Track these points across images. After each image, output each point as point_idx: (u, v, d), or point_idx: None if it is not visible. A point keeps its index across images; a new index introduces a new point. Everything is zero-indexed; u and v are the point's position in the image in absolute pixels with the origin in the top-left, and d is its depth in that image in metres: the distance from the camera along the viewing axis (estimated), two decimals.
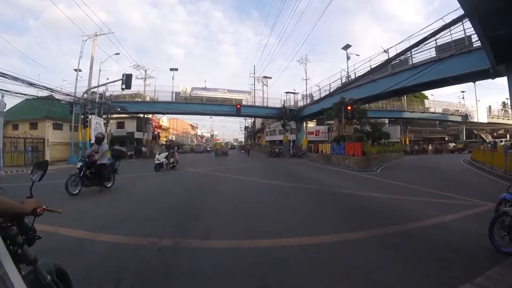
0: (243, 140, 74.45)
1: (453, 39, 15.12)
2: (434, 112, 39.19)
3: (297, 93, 38.36)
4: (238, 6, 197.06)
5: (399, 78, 17.85)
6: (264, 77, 41.20)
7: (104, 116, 25.94)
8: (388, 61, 18.48)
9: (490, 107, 42.70)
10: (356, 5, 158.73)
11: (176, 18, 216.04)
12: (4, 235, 1.22)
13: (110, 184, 8.00)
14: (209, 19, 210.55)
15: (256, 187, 9.22)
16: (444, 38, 15.20)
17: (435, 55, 16.34)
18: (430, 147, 37.90)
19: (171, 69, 39.91)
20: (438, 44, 16.00)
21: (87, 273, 2.67)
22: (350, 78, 24.80)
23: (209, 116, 45.62)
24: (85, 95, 23.29)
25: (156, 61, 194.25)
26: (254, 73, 42.02)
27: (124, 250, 3.40)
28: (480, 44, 11.75)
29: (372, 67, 20.35)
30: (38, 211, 1.48)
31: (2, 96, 15.30)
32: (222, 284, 2.60)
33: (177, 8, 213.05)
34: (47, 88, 19.71)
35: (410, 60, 18.44)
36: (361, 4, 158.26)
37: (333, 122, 27.04)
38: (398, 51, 17.35)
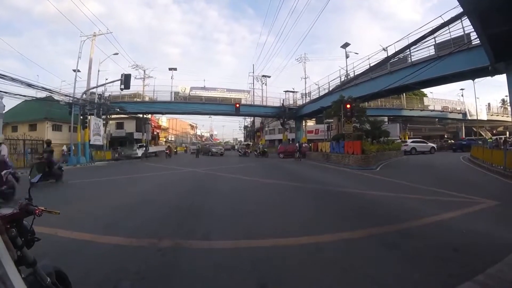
0: (242, 139, 72.33)
1: (452, 37, 15.13)
2: (434, 110, 39.25)
3: (296, 91, 38.37)
4: (233, 4, 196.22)
5: (398, 76, 17.86)
6: (263, 76, 41.20)
7: (103, 116, 25.93)
8: (387, 59, 18.44)
9: (489, 104, 42.82)
10: (353, 3, 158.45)
11: (172, 18, 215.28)
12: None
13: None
14: (205, 18, 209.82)
15: (254, 186, 9.22)
16: (443, 36, 15.22)
17: (434, 53, 16.33)
18: None
19: (170, 69, 40.02)
20: (437, 42, 15.99)
21: (87, 275, 2.67)
22: (349, 77, 24.80)
23: (208, 116, 45.58)
24: (84, 95, 23.25)
25: (153, 61, 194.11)
26: (253, 72, 42.14)
27: (124, 251, 3.40)
28: (479, 41, 11.75)
29: (371, 65, 20.33)
30: (37, 212, 1.48)
31: (1, 98, 15.27)
32: (222, 284, 2.61)
33: (172, 8, 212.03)
34: (46, 89, 19.69)
35: (409, 58, 18.43)
36: (359, 1, 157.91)
37: (332, 120, 27.06)
38: (397, 49, 17.36)
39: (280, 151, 29.81)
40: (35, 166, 1.79)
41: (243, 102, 36.55)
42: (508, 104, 28.89)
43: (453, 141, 36.11)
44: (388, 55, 18.73)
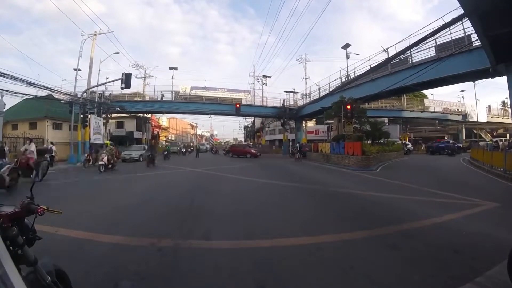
0: (243, 139, 71.96)
1: (453, 38, 15.09)
2: (434, 111, 39.21)
3: (297, 92, 38.28)
4: (234, 4, 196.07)
5: (399, 77, 17.85)
6: (264, 76, 41.11)
7: (104, 115, 25.90)
8: (388, 60, 18.44)
9: (489, 106, 42.75)
10: (354, 3, 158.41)
11: (172, 17, 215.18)
12: (4, 236, 1.22)
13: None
14: (205, 18, 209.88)
15: (255, 186, 9.22)
16: (444, 37, 15.19)
17: (434, 54, 16.32)
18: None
19: (171, 68, 39.91)
20: (437, 43, 15.98)
21: (87, 274, 2.67)
22: (349, 77, 24.78)
23: (208, 116, 45.54)
24: (85, 94, 23.24)
25: (154, 61, 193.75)
26: (254, 72, 41.99)
27: (124, 251, 3.39)
28: (480, 43, 11.74)
29: (371, 66, 20.32)
30: (39, 211, 1.48)
31: (2, 96, 15.27)
32: (222, 284, 2.61)
33: (172, 7, 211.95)
34: (47, 88, 19.63)
35: (410, 59, 18.40)
36: (359, 2, 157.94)
37: (332, 121, 27.04)
38: (397, 50, 17.35)
39: (231, 150, 32.20)
40: (40, 165, 1.79)
41: (243, 102, 36.46)
42: (509, 106, 28.95)
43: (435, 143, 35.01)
44: (389, 56, 18.73)
